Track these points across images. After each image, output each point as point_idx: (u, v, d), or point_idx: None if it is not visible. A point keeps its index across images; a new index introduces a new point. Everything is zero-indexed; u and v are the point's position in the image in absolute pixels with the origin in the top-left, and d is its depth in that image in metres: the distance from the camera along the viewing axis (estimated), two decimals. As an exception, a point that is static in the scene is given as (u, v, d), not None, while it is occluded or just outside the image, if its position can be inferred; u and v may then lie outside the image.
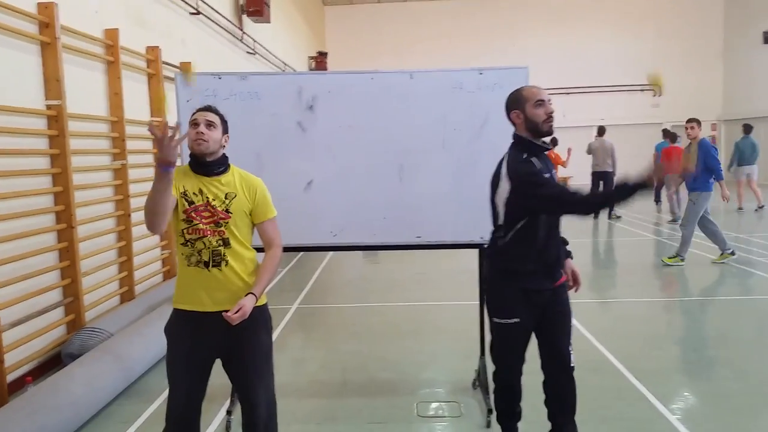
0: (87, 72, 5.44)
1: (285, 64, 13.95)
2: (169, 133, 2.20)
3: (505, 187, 2.80)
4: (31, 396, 3.45)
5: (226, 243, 2.58)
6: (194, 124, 2.57)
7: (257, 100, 3.55)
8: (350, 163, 3.61)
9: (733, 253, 7.71)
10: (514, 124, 2.86)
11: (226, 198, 2.59)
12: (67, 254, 4.89)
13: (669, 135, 12.01)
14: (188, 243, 2.57)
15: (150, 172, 6.68)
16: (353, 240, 3.74)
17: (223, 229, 2.57)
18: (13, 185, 4.35)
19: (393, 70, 3.62)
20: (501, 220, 2.87)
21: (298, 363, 4.79)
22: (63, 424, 3.38)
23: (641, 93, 21.97)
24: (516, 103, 2.82)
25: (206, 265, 2.57)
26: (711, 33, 21.77)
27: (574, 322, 5.46)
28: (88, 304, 5.19)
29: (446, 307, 6.31)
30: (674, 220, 11.66)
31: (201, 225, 2.55)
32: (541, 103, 2.78)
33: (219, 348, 2.64)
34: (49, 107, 4.76)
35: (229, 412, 3.70)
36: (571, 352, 3.01)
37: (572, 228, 11.46)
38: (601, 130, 12.71)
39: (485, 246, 3.04)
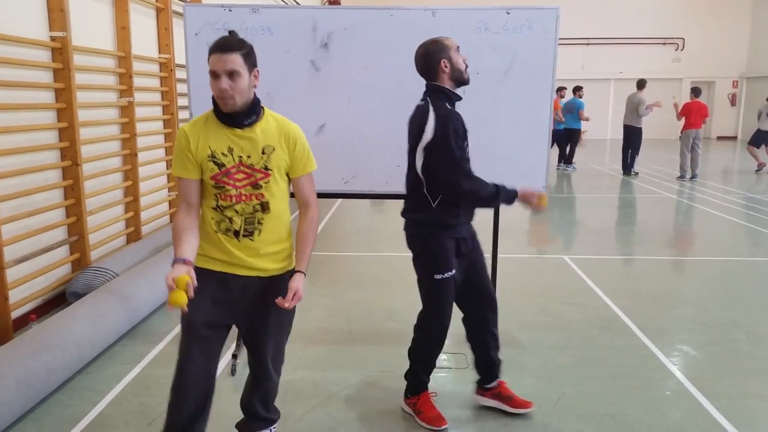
0: (93, 3, 5.23)
1: (297, 3, 13.55)
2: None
3: (428, 136, 2.69)
4: (35, 334, 3.42)
5: (264, 207, 2.26)
6: (213, 75, 2.11)
7: (269, 35, 3.37)
8: (365, 106, 3.45)
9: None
10: (437, 74, 2.76)
11: (263, 152, 2.22)
12: (72, 192, 4.81)
13: (693, 90, 11.88)
14: (218, 208, 2.25)
15: (157, 111, 6.53)
16: (365, 188, 3.63)
17: (262, 191, 2.23)
18: (17, 119, 4.23)
19: (414, 6, 3.42)
20: (420, 171, 2.77)
21: (304, 310, 4.74)
22: (67, 362, 3.36)
23: (663, 47, 21.40)
24: (442, 51, 2.74)
25: (236, 234, 2.26)
26: (740, -15, 21.01)
27: (584, 278, 5.45)
28: (94, 243, 5.14)
29: (455, 258, 6.23)
30: (681, 177, 11.62)
31: (234, 191, 2.21)
32: (459, 49, 2.78)
33: (241, 314, 2.39)
34: (53, 39, 4.59)
35: (234, 356, 3.67)
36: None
37: (587, 184, 11.34)
38: (640, 84, 12.27)
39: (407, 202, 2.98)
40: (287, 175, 2.34)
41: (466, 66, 2.79)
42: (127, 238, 5.82)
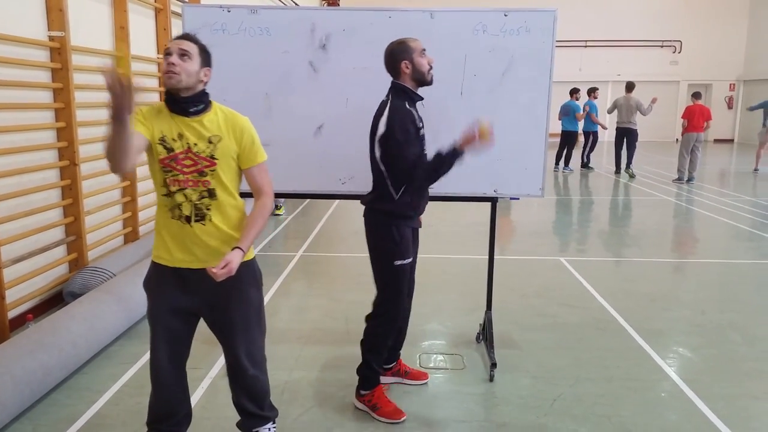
0: (92, 3, 5.24)
1: (296, 4, 13.55)
2: (123, 81, 1.91)
3: (381, 129, 2.85)
4: (32, 333, 3.42)
5: (211, 194, 2.31)
6: (166, 53, 2.26)
7: (268, 36, 3.37)
8: (363, 107, 3.43)
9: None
10: (400, 74, 2.91)
11: (210, 142, 2.30)
12: (70, 192, 4.81)
13: (694, 93, 11.97)
14: (169, 195, 2.31)
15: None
16: (362, 188, 3.61)
17: (207, 178, 2.30)
18: (15, 119, 4.23)
19: (412, 8, 3.43)
20: (379, 160, 2.92)
21: (301, 310, 4.75)
22: (63, 362, 3.36)
23: (660, 49, 21.45)
24: (405, 53, 2.88)
25: (188, 219, 2.32)
26: (738, -12, 21.05)
27: (581, 279, 5.46)
28: (91, 243, 5.14)
29: (452, 260, 6.25)
30: (678, 179, 11.64)
31: (181, 176, 2.28)
32: (424, 52, 2.91)
33: (204, 306, 2.45)
34: (51, 38, 4.59)
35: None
36: None
37: (583, 186, 11.36)
38: (629, 86, 12.42)
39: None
40: (239, 167, 2.40)
41: (430, 67, 2.92)
42: (124, 238, 5.82)
